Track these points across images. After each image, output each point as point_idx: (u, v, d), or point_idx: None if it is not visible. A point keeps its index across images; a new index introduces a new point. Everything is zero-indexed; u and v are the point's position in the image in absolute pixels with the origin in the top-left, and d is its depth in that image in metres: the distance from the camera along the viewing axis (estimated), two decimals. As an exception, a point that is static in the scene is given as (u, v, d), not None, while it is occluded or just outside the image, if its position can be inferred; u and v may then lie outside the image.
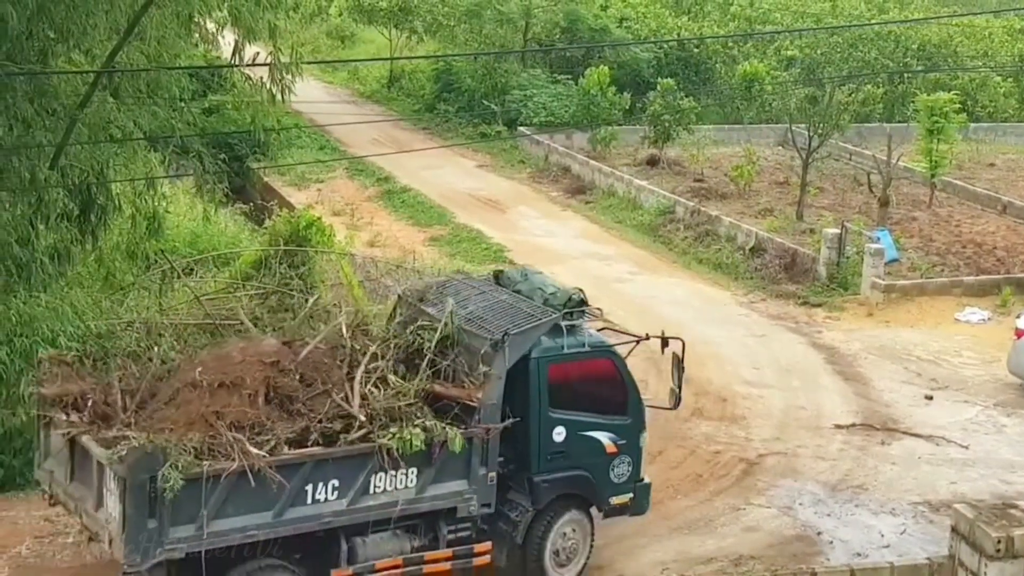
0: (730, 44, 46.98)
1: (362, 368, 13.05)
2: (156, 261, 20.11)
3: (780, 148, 40.32)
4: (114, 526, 11.52)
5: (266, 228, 21.47)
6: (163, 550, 11.50)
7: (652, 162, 37.86)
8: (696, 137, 38.09)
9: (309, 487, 12.15)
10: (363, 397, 12.72)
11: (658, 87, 38.92)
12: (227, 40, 18.46)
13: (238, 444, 11.73)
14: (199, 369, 12.47)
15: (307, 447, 12.18)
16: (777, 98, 38.24)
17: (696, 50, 46.65)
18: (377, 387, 12.97)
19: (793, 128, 34.14)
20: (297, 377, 12.75)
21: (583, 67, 43.14)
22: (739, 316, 25.89)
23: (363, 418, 12.52)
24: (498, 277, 15.08)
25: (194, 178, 21.23)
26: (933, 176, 33.86)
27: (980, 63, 47.30)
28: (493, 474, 13.25)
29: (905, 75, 45.35)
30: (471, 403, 13.10)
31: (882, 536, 16.26)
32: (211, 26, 18.18)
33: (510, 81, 43.75)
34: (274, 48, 17.04)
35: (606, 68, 41.02)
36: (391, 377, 13.12)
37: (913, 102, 38.63)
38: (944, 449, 19.29)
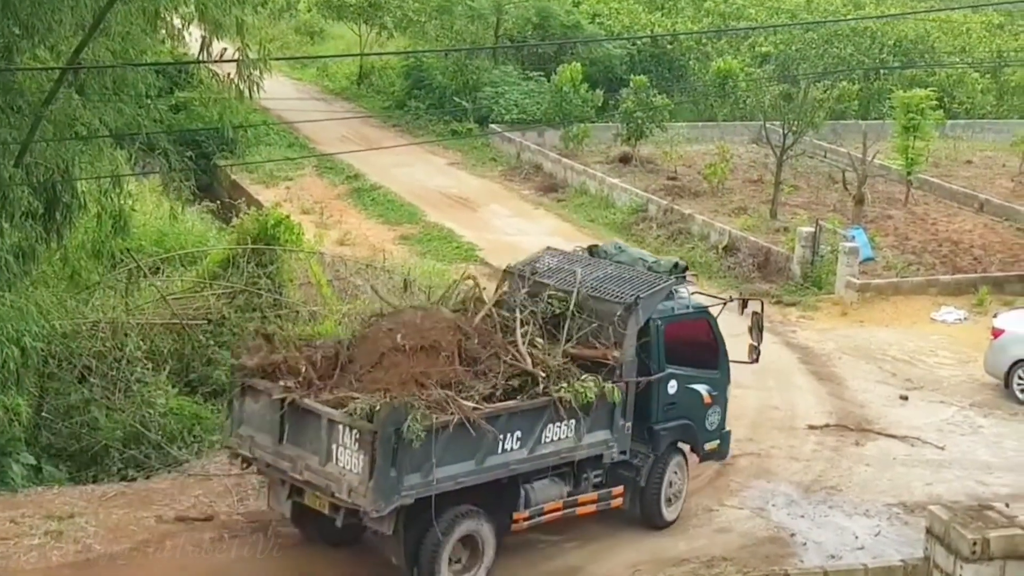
0: (704, 40, 47.18)
1: (518, 332, 14.84)
2: (122, 260, 20.12)
3: (754, 146, 40.48)
4: (353, 477, 13.19)
5: (234, 227, 21.53)
6: (399, 496, 13.17)
7: (625, 160, 38.02)
8: (669, 135, 38.27)
9: (501, 437, 13.97)
10: (532, 357, 14.61)
11: (631, 84, 39.06)
12: (194, 36, 18.48)
13: (452, 400, 13.49)
14: (399, 335, 14.16)
15: (494, 403, 14.03)
16: (751, 95, 38.47)
17: (669, 47, 46.82)
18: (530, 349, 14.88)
19: (767, 125, 34.38)
20: (476, 341, 14.55)
21: (555, 64, 43.24)
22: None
23: (542, 374, 14.41)
24: (592, 251, 17.13)
25: (161, 176, 21.25)
26: (909, 174, 34.14)
27: (957, 59, 47.58)
28: (629, 424, 15.33)
29: (881, 71, 45.64)
30: (609, 362, 15.03)
31: (856, 538, 16.41)
32: (177, 22, 18.20)
33: (481, 78, 43.80)
34: (242, 44, 17.09)
35: (578, 65, 41.15)
36: (538, 340, 14.98)
37: (889, 99, 38.93)
38: (919, 450, 19.49)
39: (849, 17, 49.03)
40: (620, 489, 15.63)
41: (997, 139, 43.53)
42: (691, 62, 46.45)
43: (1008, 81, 47.60)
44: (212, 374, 18.81)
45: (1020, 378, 21.87)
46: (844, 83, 39.41)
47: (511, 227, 32.62)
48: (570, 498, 15.07)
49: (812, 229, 28.21)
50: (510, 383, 14.30)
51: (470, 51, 43.92)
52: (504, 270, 16.54)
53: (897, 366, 23.45)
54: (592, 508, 15.39)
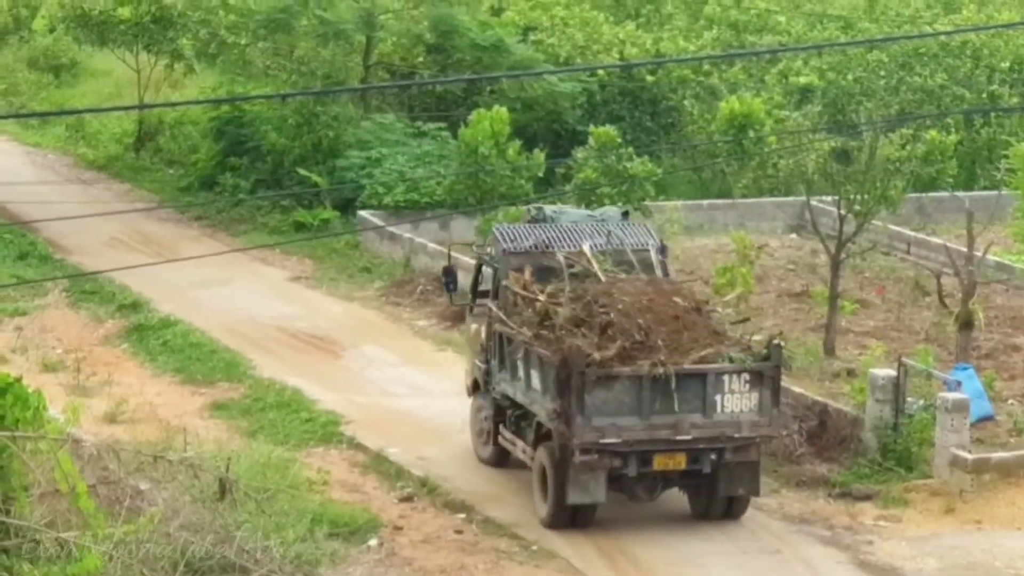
0: (707, 67, 47.87)
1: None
2: None
3: (794, 236, 40.96)
4: (750, 415, 24.71)
5: (-72, 399, 21.30)
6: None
7: (584, 264, 38.46)
8: (657, 221, 38.60)
9: None
10: None
11: (590, 139, 39.50)
12: None
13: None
14: (675, 298, 25.32)
15: None
16: (786, 154, 39.07)
17: (651, 78, 47.47)
18: None
19: (813, 204, 34.77)
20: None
21: (464, 109, 43.70)
22: (736, 520, 26.21)
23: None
24: (537, 219, 28.16)
25: None
26: (1045, 277, 34.66)
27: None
28: None
29: (992, 113, 46.40)
30: None
31: None
32: None
33: (343, 135, 44.10)
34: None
35: (504, 110, 41.52)
36: None
37: (1006, 155, 39.60)
38: None
39: (939, 29, 49.81)
40: None
41: None
42: (687, 102, 47.09)
43: None
44: None
45: None
46: (933, 132, 40.04)
47: (399, 383, 32.49)
48: None
49: (892, 372, 28.46)
50: None
51: (324, 94, 44.21)
52: (509, 252, 26.85)
53: (1040, 595, 23.58)
54: None
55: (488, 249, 28.49)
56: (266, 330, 35.63)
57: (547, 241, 26.98)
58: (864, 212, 33.45)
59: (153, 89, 50.12)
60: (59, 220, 38.80)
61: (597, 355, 24.22)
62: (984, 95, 47.31)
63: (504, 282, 26.54)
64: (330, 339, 35.24)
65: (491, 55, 45.90)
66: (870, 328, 34.11)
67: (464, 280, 30.38)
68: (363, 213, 41.80)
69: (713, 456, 24.75)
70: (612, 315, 24.73)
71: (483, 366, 27.78)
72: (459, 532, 25.16)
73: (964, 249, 32.51)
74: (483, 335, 27.80)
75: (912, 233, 40.21)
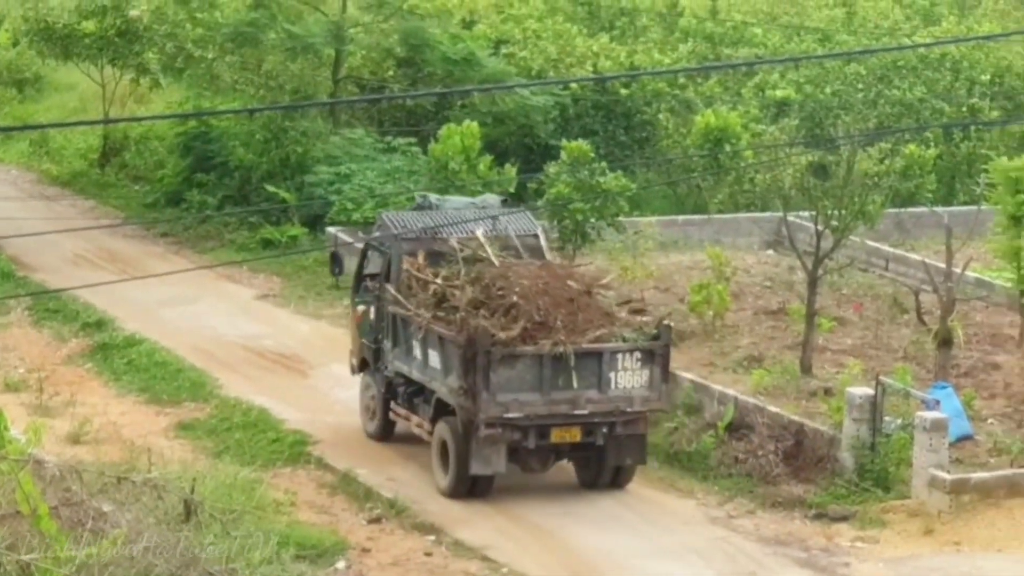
0: (681, 80, 47.97)
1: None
2: None
3: (771, 253, 41.00)
4: (641, 391, 27.20)
5: None
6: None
7: (557, 282, 38.55)
8: (631, 238, 38.72)
9: None
10: None
11: (563, 154, 39.60)
12: None
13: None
14: (569, 282, 27.76)
15: None
16: (763, 169, 39.15)
17: (625, 91, 47.57)
18: None
19: (790, 219, 34.85)
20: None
21: (435, 123, 43.76)
22: (711, 541, 26.29)
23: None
24: (422, 207, 30.67)
25: None
26: (1024, 294, 34.73)
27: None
28: None
29: (972, 127, 46.56)
30: None
31: None
32: None
33: (312, 151, 44.13)
34: None
35: (475, 124, 41.60)
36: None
37: (986, 170, 39.71)
38: None
39: (918, 42, 49.81)
40: None
41: None
42: (662, 116, 47.16)
43: None
44: None
45: None
46: (912, 146, 40.13)
47: (366, 402, 32.57)
48: None
49: (870, 391, 28.53)
50: None
51: (292, 108, 44.23)
52: (401, 237, 29.08)
53: (1021, 619, 23.65)
54: None
55: (376, 234, 30.95)
56: (233, 349, 35.67)
57: (436, 227, 29.40)
58: (842, 228, 33.51)
59: (118, 104, 50.10)
60: (22, 237, 38.72)
61: (502, 335, 26.56)
62: (964, 108, 47.40)
63: (404, 266, 28.60)
64: (298, 358, 35.28)
65: (462, 69, 45.84)
66: (847, 346, 34.16)
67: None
68: (332, 230, 41.80)
69: (605, 429, 27.11)
70: (513, 297, 26.94)
71: (372, 345, 29.83)
72: (428, 554, 25.24)
73: (943, 265, 32.63)
74: (371, 315, 29.89)
75: (890, 249, 40.30)
